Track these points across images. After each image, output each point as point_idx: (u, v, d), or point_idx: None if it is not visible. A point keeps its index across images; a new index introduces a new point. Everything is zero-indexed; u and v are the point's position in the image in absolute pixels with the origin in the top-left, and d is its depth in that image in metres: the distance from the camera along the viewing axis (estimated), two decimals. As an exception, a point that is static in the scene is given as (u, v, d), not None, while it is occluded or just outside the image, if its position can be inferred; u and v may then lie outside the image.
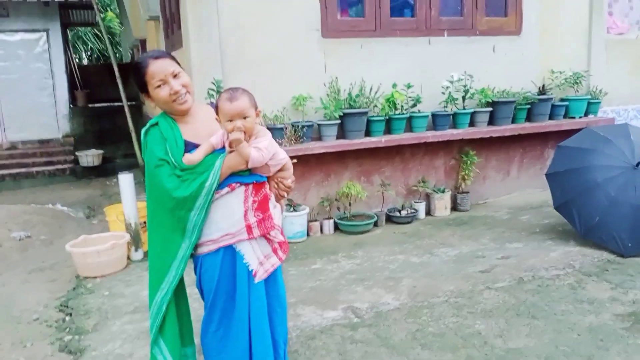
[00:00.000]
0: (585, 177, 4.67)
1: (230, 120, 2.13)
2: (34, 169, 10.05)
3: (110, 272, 4.66)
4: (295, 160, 2.55)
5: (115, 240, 4.76)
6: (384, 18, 5.58)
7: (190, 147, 2.19)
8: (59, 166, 10.29)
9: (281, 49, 5.22)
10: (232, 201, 2.22)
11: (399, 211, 5.81)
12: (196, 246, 2.28)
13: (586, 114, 6.49)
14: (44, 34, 10.92)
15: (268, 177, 2.33)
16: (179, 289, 2.37)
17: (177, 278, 2.25)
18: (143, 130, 2.26)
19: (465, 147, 6.07)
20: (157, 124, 2.24)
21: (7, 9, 10.57)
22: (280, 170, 2.35)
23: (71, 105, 11.36)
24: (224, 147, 2.21)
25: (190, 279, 2.40)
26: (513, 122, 6.14)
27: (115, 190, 8.76)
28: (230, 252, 2.27)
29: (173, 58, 2.26)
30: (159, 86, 2.17)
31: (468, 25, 5.99)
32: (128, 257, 4.95)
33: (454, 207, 6.15)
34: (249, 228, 2.24)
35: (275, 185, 2.37)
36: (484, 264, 4.47)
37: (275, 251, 2.37)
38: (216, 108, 2.19)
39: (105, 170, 10.39)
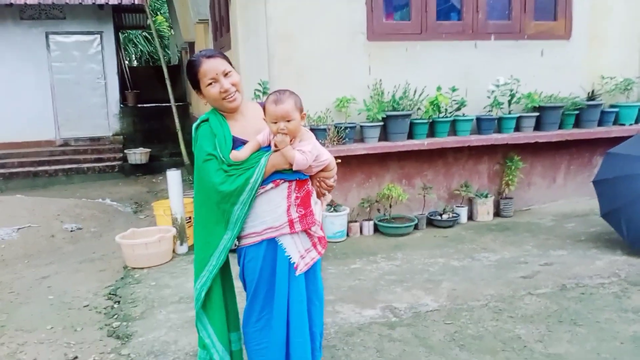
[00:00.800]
0: (634, 185, 4.54)
1: (275, 122, 2.21)
2: (85, 165, 10.48)
3: (157, 264, 4.83)
4: (339, 161, 2.60)
5: (162, 234, 4.94)
6: (430, 21, 5.58)
7: (238, 143, 2.28)
8: (109, 163, 10.69)
9: (326, 52, 5.30)
10: (276, 196, 2.29)
11: (441, 215, 5.78)
12: (240, 238, 2.36)
13: (637, 121, 6.30)
14: (98, 36, 11.39)
15: (311, 175, 2.40)
16: (225, 278, 2.47)
17: (217, 267, 2.35)
18: (194, 126, 2.36)
19: (510, 152, 5.99)
20: (207, 120, 2.33)
21: (64, 11, 11.09)
22: (324, 170, 2.41)
23: (121, 105, 11.79)
24: (269, 145, 2.28)
25: (235, 271, 2.49)
26: (560, 127, 6.02)
27: (161, 187, 9.06)
28: (272, 245, 2.35)
29: (225, 57, 2.35)
30: (210, 84, 2.26)
31: (516, 29, 5.92)
32: (173, 251, 5.11)
33: (497, 213, 6.07)
34: (291, 223, 2.31)
35: (318, 184, 2.43)
36: (526, 270, 4.41)
37: (315, 245, 2.43)
38: (264, 108, 2.27)
39: (152, 168, 10.73)
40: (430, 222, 5.77)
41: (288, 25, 5.16)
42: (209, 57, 2.29)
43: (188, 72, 2.35)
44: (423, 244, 5.21)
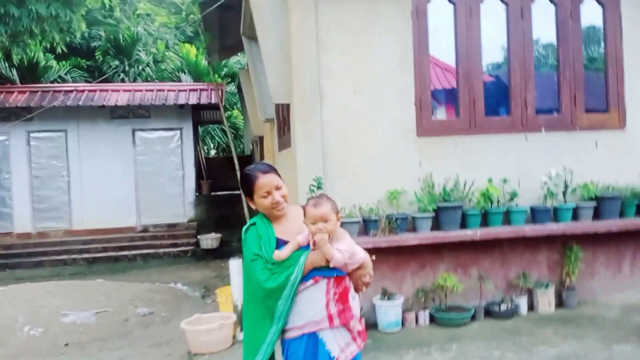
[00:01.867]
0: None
1: (314, 223, 2.51)
2: (161, 250, 11.19)
3: (218, 350, 5.09)
4: (374, 257, 2.82)
5: (223, 320, 5.23)
6: (478, 117, 5.85)
7: (280, 243, 2.57)
8: (183, 248, 11.36)
9: (378, 148, 5.66)
10: (315, 292, 2.53)
11: (499, 305, 5.72)
12: (283, 331, 2.59)
13: None
14: (178, 131, 12.52)
15: (348, 272, 2.63)
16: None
17: (265, 359, 2.57)
18: (243, 229, 2.69)
19: (569, 241, 5.92)
20: (254, 224, 2.66)
21: (149, 110, 12.34)
22: (359, 268, 2.63)
23: (196, 194, 12.64)
24: (308, 245, 2.57)
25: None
26: (621, 217, 5.92)
27: (228, 272, 9.46)
28: (313, 339, 2.55)
29: (277, 172, 2.69)
30: (264, 197, 2.60)
31: (567, 122, 6.05)
32: (234, 337, 5.36)
33: (560, 304, 5.91)
34: (330, 317, 2.53)
35: (355, 282, 2.65)
36: (585, 366, 4.28)
37: (354, 339, 2.61)
38: (304, 211, 2.58)
39: (222, 253, 11.26)
40: (488, 313, 5.71)
41: (342, 126, 5.60)
42: (265, 172, 2.63)
43: (244, 183, 2.67)
44: (479, 336, 5.16)
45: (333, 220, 2.52)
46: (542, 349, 4.73)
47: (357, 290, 2.67)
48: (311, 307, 2.52)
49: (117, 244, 11.32)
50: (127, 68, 16.80)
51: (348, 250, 2.53)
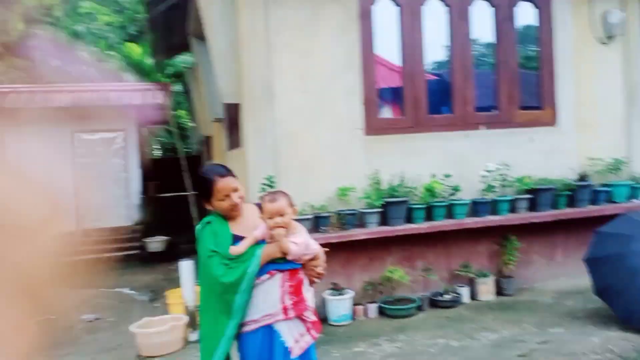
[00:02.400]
0: (624, 262, 4.75)
1: (271, 217, 2.58)
2: (105, 255, 10.88)
3: (169, 352, 5.06)
4: (327, 249, 2.93)
5: (174, 322, 5.20)
6: (422, 115, 6.08)
7: (236, 239, 2.64)
8: (128, 252, 11.09)
9: (327, 147, 5.79)
10: (271, 286, 2.61)
11: (442, 295, 5.97)
12: (240, 326, 2.65)
13: (630, 199, 6.56)
14: (122, 132, 12.21)
15: (302, 265, 2.72)
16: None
17: (224, 354, 2.62)
18: (197, 227, 2.73)
19: (507, 232, 6.25)
20: (210, 222, 2.71)
21: (90, 112, 11.96)
22: (313, 259, 2.74)
23: (142, 196, 12.36)
24: (264, 240, 2.64)
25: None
26: (554, 208, 6.30)
27: (177, 275, 9.33)
28: (269, 331, 2.63)
29: (233, 174, 2.72)
30: (222, 200, 2.64)
31: (504, 119, 6.39)
32: (185, 339, 5.33)
33: (499, 292, 6.23)
34: (285, 309, 2.61)
35: (308, 273, 2.75)
36: (522, 348, 4.55)
37: (308, 330, 2.70)
38: (260, 207, 2.65)
39: (170, 256, 11.03)
40: (433, 303, 5.95)
41: (293, 125, 5.69)
42: (222, 176, 2.66)
43: (202, 187, 2.69)
44: (425, 325, 5.38)
45: (289, 214, 2.61)
46: (484, 334, 4.99)
47: (311, 282, 2.77)
48: (267, 300, 2.60)
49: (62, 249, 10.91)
50: (67, 67, 16.22)
51: (304, 242, 2.62)
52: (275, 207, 2.59)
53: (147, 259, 10.97)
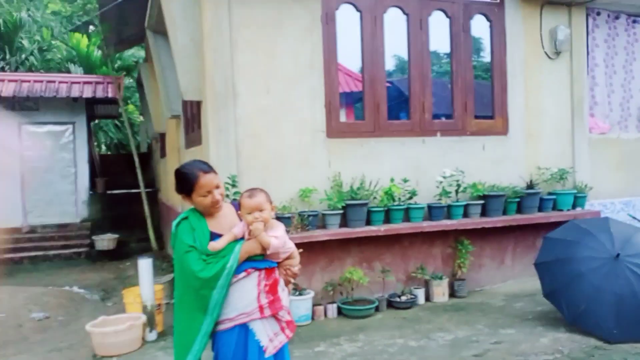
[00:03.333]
0: (570, 267, 5.04)
1: (250, 213, 2.62)
2: (52, 252, 10.50)
3: (126, 352, 4.96)
4: (301, 250, 2.99)
5: (132, 321, 5.10)
6: (381, 121, 6.23)
7: (214, 236, 2.65)
8: (76, 250, 10.73)
9: (290, 148, 5.84)
10: (247, 284, 2.64)
11: (399, 296, 6.13)
12: (215, 324, 2.66)
13: (574, 207, 6.94)
14: (71, 126, 11.79)
15: (278, 264, 2.77)
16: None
17: (200, 351, 2.62)
18: (174, 222, 2.72)
19: (461, 236, 6.49)
20: (187, 217, 2.71)
21: (38, 103, 11.51)
22: (288, 258, 2.79)
23: (90, 192, 11.99)
24: (243, 237, 2.67)
25: (207, 354, 2.76)
26: (504, 214, 6.60)
27: (128, 274, 9.14)
28: (244, 330, 2.66)
29: (215, 171, 2.74)
30: (204, 196, 2.65)
31: (459, 127, 6.63)
32: (143, 338, 5.25)
33: (452, 294, 6.46)
34: (261, 308, 2.65)
35: (284, 272, 2.80)
36: (477, 348, 4.75)
37: (283, 330, 2.75)
38: (239, 205, 2.68)
39: (120, 254, 10.80)
40: (390, 304, 6.10)
41: (255, 125, 5.70)
42: (206, 172, 2.67)
43: (183, 182, 2.68)
44: (383, 325, 5.51)
45: (268, 210, 2.66)
46: (439, 335, 5.17)
47: (286, 282, 2.82)
48: (243, 298, 2.63)
49: (1, 245, 10.44)
50: (7, 56, 15.48)
51: (283, 237, 2.68)
52: (254, 202, 2.63)
53: (96, 257, 10.66)
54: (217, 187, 2.68)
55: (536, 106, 7.06)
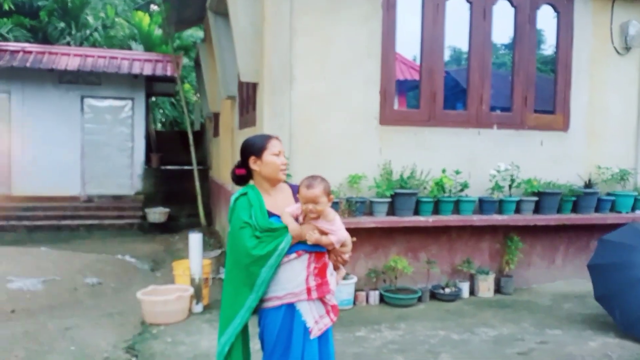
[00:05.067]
0: (627, 272, 4.85)
1: (305, 203, 2.63)
2: (106, 222, 10.94)
3: (173, 321, 5.14)
4: (354, 239, 2.99)
5: (181, 292, 5.28)
6: (437, 110, 6.13)
7: (270, 215, 2.69)
8: (129, 221, 11.15)
9: (342, 134, 5.84)
10: (297, 266, 2.67)
11: (443, 289, 6.07)
12: (262, 301, 2.71)
13: (633, 210, 6.66)
14: (130, 101, 12.18)
15: (329, 250, 2.78)
16: (245, 337, 2.80)
17: (241, 324, 2.68)
18: (233, 197, 2.78)
19: (511, 232, 6.35)
20: (246, 193, 2.76)
21: (100, 78, 11.94)
22: (341, 246, 2.79)
23: (145, 167, 12.39)
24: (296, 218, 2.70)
25: (255, 331, 2.83)
26: (559, 212, 6.39)
27: (177, 247, 9.44)
28: (290, 310, 2.70)
29: None
30: (276, 154, 2.72)
31: (517, 120, 6.44)
32: (189, 310, 5.42)
33: (498, 290, 6.34)
34: (308, 290, 2.68)
35: (334, 257, 2.82)
36: (522, 346, 4.66)
37: (328, 313, 2.77)
38: (298, 189, 2.70)
39: (169, 228, 11.15)
40: (434, 295, 6.06)
41: (309, 110, 5.73)
42: (276, 138, 2.79)
43: (253, 144, 2.75)
44: (425, 316, 5.48)
45: (323, 203, 2.64)
46: (483, 330, 5.10)
47: (335, 267, 2.84)
48: (292, 279, 2.67)
49: (60, 212, 10.97)
50: (73, 31, 16.08)
51: (338, 231, 2.67)
52: (310, 194, 2.61)
53: (147, 229, 11.04)
54: (284, 155, 2.77)
55: (600, 103, 6.77)
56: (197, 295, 5.49)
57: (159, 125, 19.91)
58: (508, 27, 6.64)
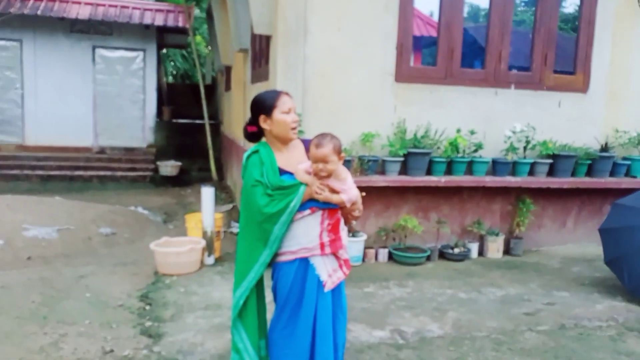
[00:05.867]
0: (638, 236, 4.83)
1: (315, 162, 2.60)
2: (119, 174, 11.03)
3: (186, 272, 5.24)
4: (364, 194, 2.98)
5: (193, 244, 5.35)
6: (454, 68, 6.00)
7: (282, 172, 2.68)
8: (141, 173, 11.23)
9: (356, 90, 5.74)
10: (311, 221, 2.68)
11: (452, 248, 6.10)
12: (276, 255, 2.74)
13: (649, 175, 6.58)
14: (141, 53, 12.06)
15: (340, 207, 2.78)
16: (259, 291, 2.85)
17: (255, 279, 2.73)
18: (245, 155, 2.77)
19: (523, 194, 6.31)
20: (257, 151, 2.74)
21: (112, 28, 11.79)
22: (352, 203, 2.79)
23: (157, 119, 12.38)
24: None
25: (267, 284, 2.87)
26: (573, 175, 6.33)
27: (189, 200, 9.52)
28: (304, 264, 2.72)
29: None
30: (287, 112, 2.66)
31: (535, 80, 6.30)
32: (201, 261, 5.51)
33: (507, 251, 6.37)
34: (322, 245, 2.70)
35: (345, 214, 2.82)
36: (529, 307, 4.70)
37: (341, 267, 2.80)
38: (308, 146, 2.67)
39: (181, 181, 11.23)
40: (443, 255, 6.10)
41: (323, 64, 5.62)
42: (287, 94, 2.72)
43: (265, 99, 2.69)
44: (434, 275, 5.53)
45: (334, 162, 2.60)
46: (490, 290, 5.14)
47: (346, 222, 2.85)
48: (306, 234, 2.68)
49: (73, 163, 11.06)
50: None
51: (349, 190, 2.66)
52: (320, 153, 2.56)
53: (159, 182, 11.13)
54: (295, 112, 2.71)
55: (623, 64, 6.58)
56: (209, 248, 5.56)
57: (170, 78, 19.76)
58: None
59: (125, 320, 4.19)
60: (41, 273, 5.23)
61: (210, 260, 5.59)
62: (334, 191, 2.64)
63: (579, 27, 6.49)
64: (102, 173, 10.96)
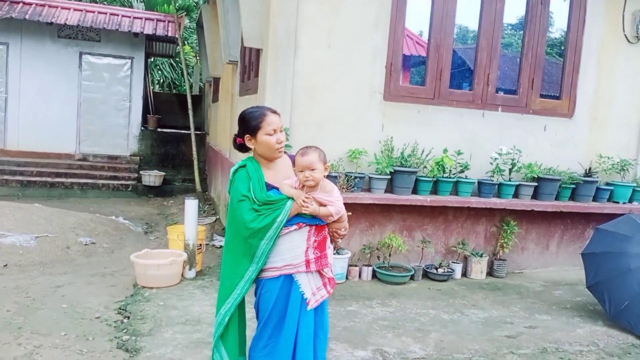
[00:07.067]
0: (619, 261, 4.86)
1: (302, 171, 2.59)
2: (100, 182, 10.88)
3: (166, 285, 5.13)
4: (350, 213, 2.96)
5: (174, 257, 5.26)
6: (442, 89, 6.04)
7: (269, 187, 2.65)
8: (123, 182, 11.09)
9: (344, 107, 5.74)
10: (297, 237, 2.64)
11: (436, 268, 6.09)
12: (261, 271, 2.70)
13: (631, 201, 6.66)
14: (129, 60, 11.97)
15: (327, 223, 2.75)
16: (241, 308, 2.79)
17: (241, 295, 2.68)
18: (232, 169, 2.73)
19: (507, 216, 6.34)
20: (244, 165, 2.71)
21: (100, 34, 11.70)
22: (337, 220, 2.76)
23: (142, 128, 12.25)
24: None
25: (249, 299, 2.81)
26: (557, 199, 6.37)
27: (171, 211, 9.41)
28: (288, 280, 2.68)
29: (280, 115, 2.75)
30: (270, 134, 2.64)
31: (522, 104, 6.37)
32: (182, 275, 5.41)
33: (490, 273, 6.37)
34: (307, 262, 2.66)
35: (331, 232, 2.79)
36: (510, 330, 4.69)
37: (325, 285, 2.77)
38: (293, 161, 2.66)
39: (164, 191, 11.10)
40: (426, 275, 6.07)
41: (313, 79, 5.61)
42: (273, 112, 2.70)
43: (249, 119, 2.67)
44: (417, 294, 5.50)
45: (320, 169, 2.62)
46: (473, 311, 5.12)
47: (332, 241, 2.81)
48: (292, 250, 2.64)
49: (54, 169, 10.88)
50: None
51: (337, 204, 2.65)
52: (306, 160, 2.59)
53: (141, 192, 11.00)
54: (281, 129, 2.68)
55: (607, 91, 6.69)
56: (190, 261, 5.47)
57: (157, 87, 19.65)
58: (518, 7, 6.51)
59: (101, 333, 4.09)
60: (17, 281, 5.10)
61: (191, 273, 5.49)
62: (321, 205, 2.63)
63: (565, 54, 6.59)
64: (83, 180, 10.80)
